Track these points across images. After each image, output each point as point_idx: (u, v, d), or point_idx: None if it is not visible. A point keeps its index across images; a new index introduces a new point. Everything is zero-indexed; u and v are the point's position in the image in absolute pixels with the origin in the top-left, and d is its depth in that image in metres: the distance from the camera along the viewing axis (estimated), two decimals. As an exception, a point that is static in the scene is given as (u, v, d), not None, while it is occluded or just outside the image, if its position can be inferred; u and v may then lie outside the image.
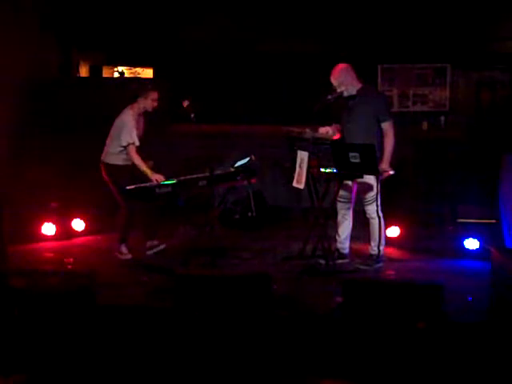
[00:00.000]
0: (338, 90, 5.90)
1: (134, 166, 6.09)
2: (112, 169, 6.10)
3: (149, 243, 6.40)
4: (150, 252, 6.37)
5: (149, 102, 6.06)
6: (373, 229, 5.99)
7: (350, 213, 6.13)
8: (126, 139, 5.99)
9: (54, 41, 9.23)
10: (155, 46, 9.23)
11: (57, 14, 8.79)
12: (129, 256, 6.30)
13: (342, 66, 5.94)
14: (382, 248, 6.01)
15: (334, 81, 5.92)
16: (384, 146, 5.78)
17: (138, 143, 6.00)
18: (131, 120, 6.03)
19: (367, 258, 6.06)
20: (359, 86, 5.91)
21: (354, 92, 5.91)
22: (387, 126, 5.80)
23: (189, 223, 7.15)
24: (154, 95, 6.06)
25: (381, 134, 5.81)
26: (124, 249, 6.30)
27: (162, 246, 6.37)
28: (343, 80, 5.87)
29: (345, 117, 5.95)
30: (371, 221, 5.97)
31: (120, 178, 6.03)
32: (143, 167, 5.96)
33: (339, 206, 6.08)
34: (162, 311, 4.53)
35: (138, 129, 6.11)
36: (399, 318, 3.93)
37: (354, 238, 6.50)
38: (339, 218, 6.12)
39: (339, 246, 6.14)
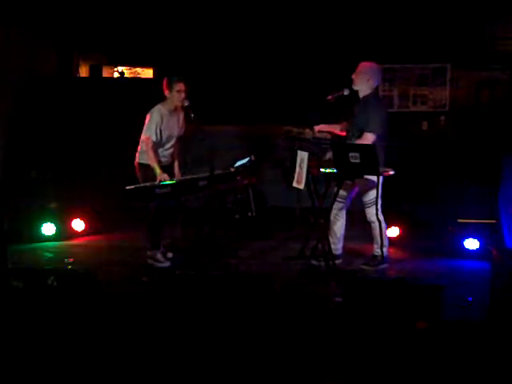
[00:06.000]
0: (345, 93, 5.89)
1: (167, 166, 6.10)
2: (140, 167, 6.07)
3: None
4: (151, 253, 6.35)
5: (175, 94, 5.97)
6: (374, 232, 5.99)
7: (343, 213, 6.12)
8: (145, 133, 5.98)
9: (54, 41, 9.23)
10: (155, 46, 9.23)
11: (56, 14, 8.79)
12: (166, 264, 6.13)
13: (364, 64, 5.89)
14: (385, 250, 6.00)
15: (355, 72, 5.90)
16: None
17: (154, 138, 5.94)
18: (156, 116, 5.97)
19: (371, 259, 6.06)
20: (368, 92, 5.87)
21: (360, 96, 5.89)
22: (365, 135, 5.71)
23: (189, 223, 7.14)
24: (178, 86, 5.95)
25: (378, 144, 5.73)
26: (160, 256, 6.15)
27: (169, 255, 6.31)
28: (358, 78, 5.85)
29: (350, 118, 5.95)
30: (371, 224, 5.97)
31: (145, 177, 5.97)
32: (154, 164, 5.91)
33: (334, 205, 6.06)
34: (162, 311, 4.53)
35: (171, 127, 6.07)
36: (399, 318, 3.93)
37: (352, 237, 6.51)
38: (332, 218, 6.09)
39: (332, 246, 6.10)
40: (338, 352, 3.95)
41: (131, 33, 9.11)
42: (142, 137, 6.01)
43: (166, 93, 6.01)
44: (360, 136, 5.76)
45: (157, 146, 6.01)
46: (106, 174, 7.99)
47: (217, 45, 8.97)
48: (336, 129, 6.10)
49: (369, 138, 5.72)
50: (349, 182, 5.93)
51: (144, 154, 6.04)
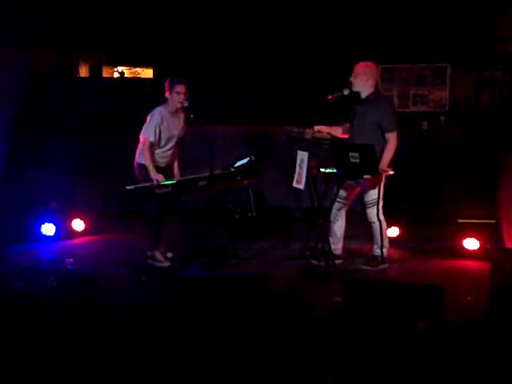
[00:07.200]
0: (345, 93, 5.89)
1: (166, 167, 6.10)
2: (139, 168, 6.06)
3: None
4: (150, 253, 6.33)
5: (174, 96, 5.95)
6: (374, 232, 5.99)
7: (343, 213, 6.10)
8: (143, 133, 5.97)
9: (54, 41, 9.23)
10: (155, 46, 9.23)
11: (56, 15, 8.79)
12: (166, 264, 6.13)
13: (360, 65, 5.88)
14: (385, 250, 6.00)
15: (352, 75, 5.89)
16: (382, 154, 5.75)
17: (152, 139, 5.93)
18: (157, 117, 5.97)
19: (371, 259, 6.06)
20: (370, 91, 5.86)
21: (363, 96, 5.88)
22: (389, 137, 5.76)
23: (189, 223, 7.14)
24: (178, 88, 5.93)
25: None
26: (159, 255, 6.16)
27: (169, 255, 6.26)
28: (357, 78, 5.83)
29: (353, 119, 5.94)
30: (372, 225, 5.96)
31: (145, 177, 5.94)
32: (149, 164, 5.91)
33: (334, 205, 6.06)
34: (161, 312, 4.54)
35: (171, 128, 6.06)
36: (399, 319, 3.93)
37: (352, 237, 6.51)
38: (331, 218, 6.09)
39: (332, 246, 6.09)
40: (339, 352, 3.95)
41: (131, 33, 9.11)
42: (140, 137, 6.02)
43: (167, 94, 6.01)
44: (381, 137, 5.77)
45: (154, 146, 6.01)
46: (106, 175, 7.99)
47: (217, 45, 8.97)
48: (338, 131, 6.10)
49: (393, 139, 5.76)
50: (349, 183, 5.94)
51: (141, 155, 6.05)
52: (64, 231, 7.17)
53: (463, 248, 6.36)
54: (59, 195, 7.54)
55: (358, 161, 5.45)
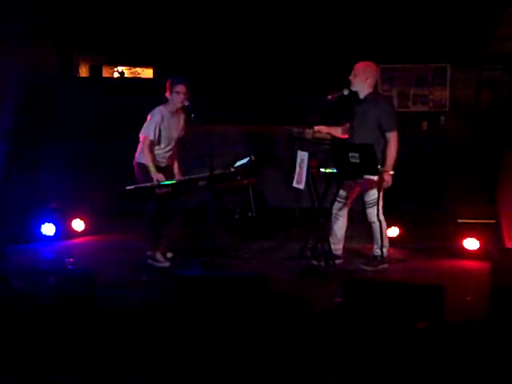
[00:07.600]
0: (344, 93, 5.89)
1: (166, 167, 6.10)
2: (139, 167, 6.06)
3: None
4: (150, 253, 6.33)
5: (174, 95, 5.97)
6: (374, 232, 5.99)
7: (344, 213, 6.10)
8: (143, 132, 5.98)
9: (54, 41, 9.23)
10: (155, 45, 9.23)
11: (56, 14, 8.79)
12: (166, 264, 6.13)
13: (360, 64, 5.88)
14: (385, 250, 6.00)
15: (351, 73, 5.88)
16: (386, 154, 5.76)
17: (151, 137, 5.94)
18: (158, 116, 5.98)
19: (371, 259, 6.06)
20: (368, 91, 5.86)
21: (361, 96, 5.88)
22: (389, 136, 5.76)
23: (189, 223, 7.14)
24: (178, 87, 5.95)
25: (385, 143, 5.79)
26: (159, 256, 6.15)
27: (169, 255, 6.27)
28: (357, 78, 5.83)
29: (352, 119, 5.94)
30: (372, 225, 5.97)
31: (145, 177, 5.95)
32: (149, 163, 5.92)
33: (334, 205, 6.06)
34: (161, 312, 4.54)
35: (171, 128, 6.06)
36: (399, 319, 3.93)
37: (352, 237, 6.51)
38: (332, 218, 6.10)
39: (333, 246, 6.09)
40: (338, 352, 3.95)
41: (131, 33, 9.11)
42: (140, 136, 6.02)
43: (167, 94, 6.02)
44: (380, 136, 5.77)
45: (154, 146, 6.02)
46: (106, 175, 7.99)
47: (217, 44, 8.97)
48: (337, 131, 6.10)
49: (394, 138, 5.76)
50: (349, 182, 5.94)
51: (141, 154, 6.05)
52: (64, 231, 7.17)
53: (463, 248, 6.36)
54: (59, 195, 7.54)
55: (357, 161, 5.45)
